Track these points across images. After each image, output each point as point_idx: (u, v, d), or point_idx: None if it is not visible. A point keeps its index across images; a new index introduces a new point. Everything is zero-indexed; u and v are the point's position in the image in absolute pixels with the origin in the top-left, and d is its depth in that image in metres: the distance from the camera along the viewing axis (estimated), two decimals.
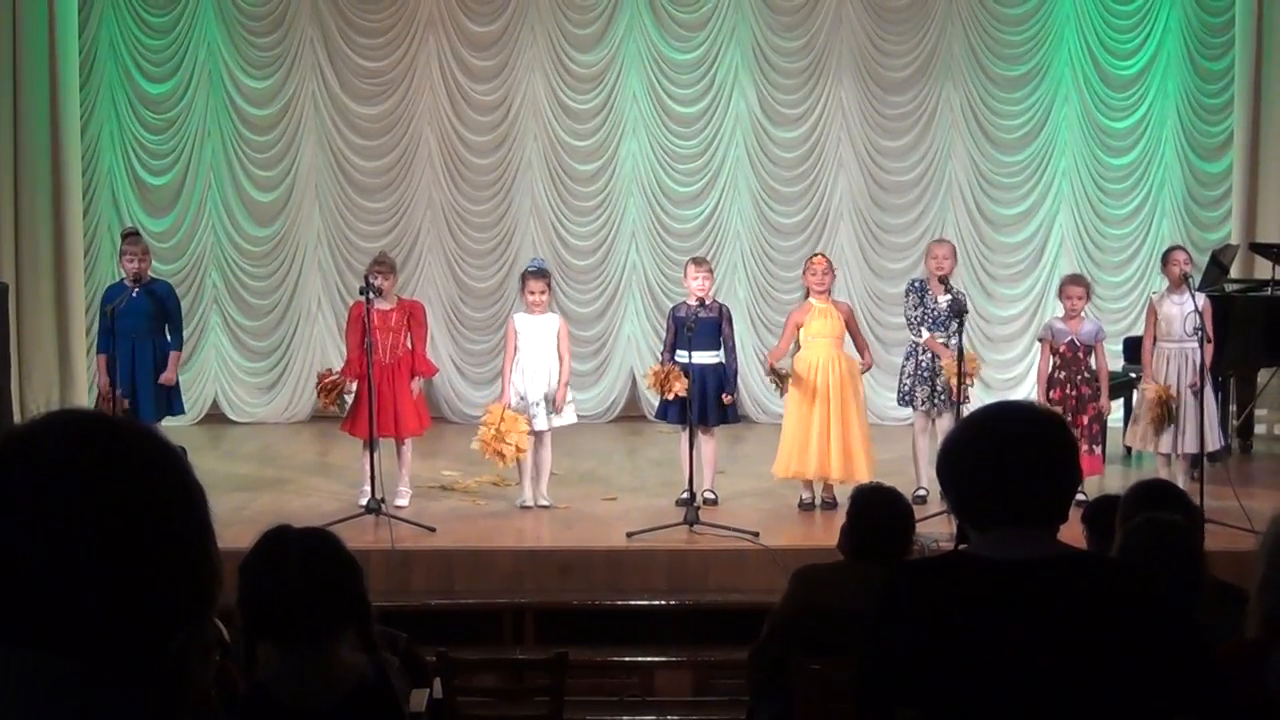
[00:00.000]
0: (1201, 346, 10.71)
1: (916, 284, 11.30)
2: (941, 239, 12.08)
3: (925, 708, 3.26)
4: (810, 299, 10.93)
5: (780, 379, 10.82)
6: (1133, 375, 12.22)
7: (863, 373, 11.03)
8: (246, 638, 3.86)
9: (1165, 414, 10.83)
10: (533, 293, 10.85)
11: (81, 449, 1.75)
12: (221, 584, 1.82)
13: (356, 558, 4.08)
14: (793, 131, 14.48)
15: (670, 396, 10.72)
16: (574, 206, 14.49)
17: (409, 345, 10.86)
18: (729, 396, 10.94)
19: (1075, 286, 11.02)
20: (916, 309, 11.19)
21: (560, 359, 10.90)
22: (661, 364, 10.89)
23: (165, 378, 11.16)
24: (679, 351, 10.79)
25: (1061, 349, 10.89)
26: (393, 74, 14.36)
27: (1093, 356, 10.97)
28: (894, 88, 14.43)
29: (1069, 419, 10.53)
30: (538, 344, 10.82)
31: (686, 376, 10.57)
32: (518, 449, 10.58)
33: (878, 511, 6.09)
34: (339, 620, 3.88)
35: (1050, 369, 10.99)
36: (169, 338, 11.23)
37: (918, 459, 11.04)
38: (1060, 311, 11.22)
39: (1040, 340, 11.40)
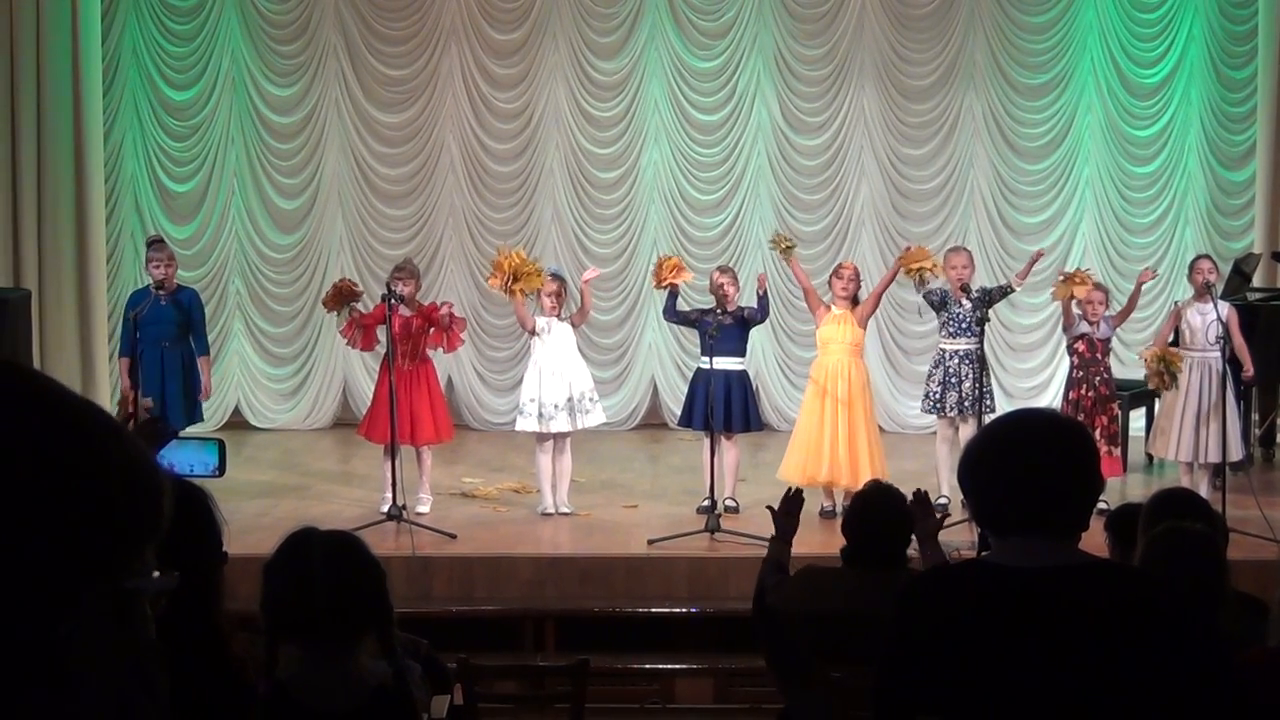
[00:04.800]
0: (1224, 355, 10.69)
1: (938, 292, 11.31)
2: (958, 247, 12.06)
3: (945, 716, 3.25)
4: (832, 306, 10.96)
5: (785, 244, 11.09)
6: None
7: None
8: (268, 638, 3.87)
9: (1165, 370, 10.81)
10: (547, 295, 10.86)
11: None
12: (133, 546, 1.56)
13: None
14: (814, 139, 14.48)
15: (666, 284, 10.83)
16: (595, 214, 14.50)
17: (428, 353, 10.90)
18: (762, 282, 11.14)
19: (1095, 292, 11.02)
20: (938, 311, 11.25)
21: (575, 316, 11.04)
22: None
23: (204, 390, 11.34)
24: (701, 358, 10.84)
25: (1080, 347, 10.90)
26: (415, 82, 14.39)
27: (1110, 356, 11.01)
28: (916, 95, 14.42)
29: (1086, 420, 10.55)
30: (555, 346, 10.85)
31: (706, 381, 10.61)
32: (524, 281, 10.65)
33: (871, 514, 6.10)
34: (361, 623, 3.88)
35: (1071, 365, 11.04)
36: (194, 345, 11.29)
37: (940, 467, 11.04)
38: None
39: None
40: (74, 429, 1.54)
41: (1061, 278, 11.15)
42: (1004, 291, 11.42)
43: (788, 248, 11.22)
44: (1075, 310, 10.94)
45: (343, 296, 10.82)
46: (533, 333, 10.97)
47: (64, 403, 1.56)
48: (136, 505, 1.55)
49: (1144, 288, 14.31)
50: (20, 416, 1.52)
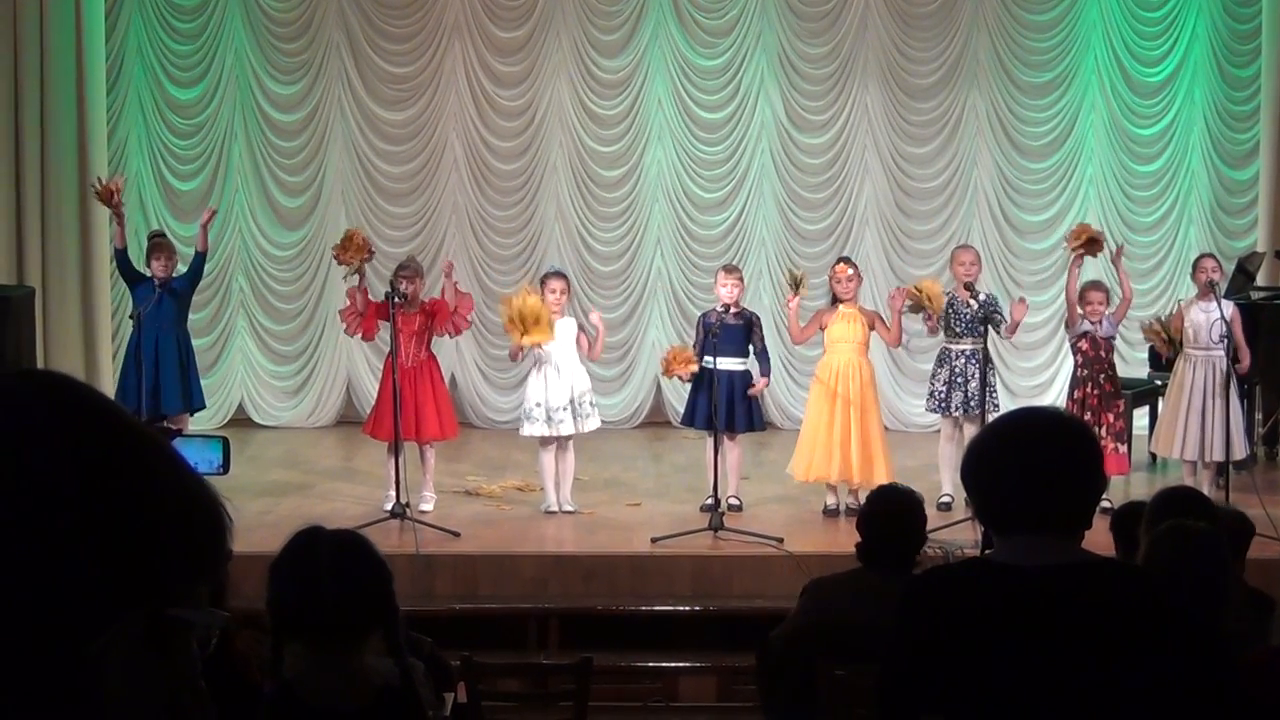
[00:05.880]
0: (1228, 354, 10.70)
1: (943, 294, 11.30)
2: (965, 245, 12.10)
3: (949, 714, 3.26)
4: (840, 305, 10.95)
5: (796, 281, 10.91)
6: (1158, 383, 12.20)
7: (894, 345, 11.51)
8: (274, 637, 3.87)
9: (1164, 332, 10.90)
10: (553, 292, 10.87)
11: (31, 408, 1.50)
12: (179, 577, 1.54)
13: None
14: (818, 137, 14.47)
15: (670, 376, 10.78)
16: (599, 212, 14.50)
17: (432, 350, 10.92)
18: (759, 384, 10.95)
19: (1095, 292, 11.01)
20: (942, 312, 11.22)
21: (583, 350, 10.96)
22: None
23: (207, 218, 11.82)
24: (705, 358, 10.80)
25: (1084, 346, 10.90)
26: (419, 79, 14.39)
27: (1114, 354, 11.02)
28: (920, 94, 14.41)
29: (1092, 418, 10.55)
30: (559, 348, 10.85)
31: (709, 381, 10.60)
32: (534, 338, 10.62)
33: (887, 514, 6.11)
34: (367, 623, 3.88)
35: (1074, 369, 11.04)
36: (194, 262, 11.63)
37: (943, 466, 11.04)
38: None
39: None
40: (126, 452, 1.52)
41: (1077, 244, 10.98)
42: (999, 320, 11.18)
43: (798, 282, 11.07)
44: (1078, 310, 10.92)
45: (355, 248, 10.82)
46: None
47: (121, 426, 1.54)
48: (186, 536, 1.54)
49: (1148, 285, 14.42)
50: (75, 432, 1.50)
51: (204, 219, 11.77)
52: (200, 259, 11.69)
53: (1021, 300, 11.48)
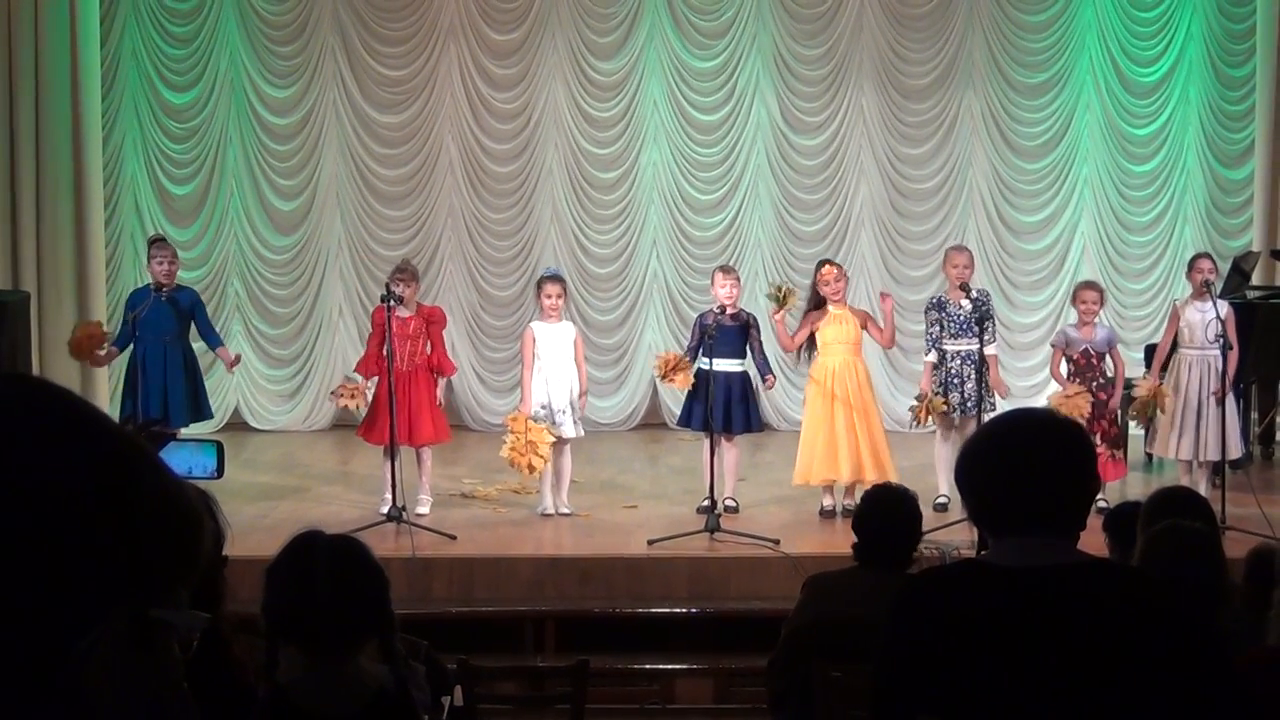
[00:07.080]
0: (1224, 354, 10.70)
1: (935, 300, 11.29)
2: (959, 246, 12.09)
3: (942, 716, 3.25)
4: (830, 307, 10.93)
5: (781, 296, 10.82)
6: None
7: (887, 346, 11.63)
8: (269, 641, 3.87)
9: (1149, 412, 10.83)
10: (549, 296, 10.87)
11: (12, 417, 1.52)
12: (159, 580, 1.55)
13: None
14: (814, 139, 14.47)
15: (669, 384, 10.72)
16: (595, 214, 14.50)
17: (428, 352, 10.90)
18: (769, 380, 10.94)
19: (1089, 291, 11.02)
20: (934, 326, 11.17)
21: (578, 368, 10.95)
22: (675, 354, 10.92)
23: (231, 364, 11.91)
24: (701, 359, 10.79)
25: (1075, 356, 10.90)
26: (414, 82, 14.39)
27: (1106, 361, 10.98)
28: (915, 95, 14.42)
29: (1088, 425, 10.53)
30: (557, 352, 10.85)
31: (705, 382, 10.58)
32: (544, 458, 10.59)
33: (883, 513, 6.13)
34: (363, 629, 3.88)
35: (1065, 376, 11.01)
36: (207, 340, 11.56)
37: (939, 467, 11.04)
38: (1074, 318, 11.22)
39: (1053, 346, 11.39)
40: (111, 456, 1.54)
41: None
42: (988, 335, 11.12)
43: (785, 297, 10.96)
44: (1063, 369, 10.94)
45: (352, 394, 10.84)
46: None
47: (105, 430, 1.56)
48: (167, 540, 1.55)
49: (1144, 285, 14.43)
50: (58, 439, 1.52)
51: (230, 360, 11.85)
52: (207, 337, 11.65)
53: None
